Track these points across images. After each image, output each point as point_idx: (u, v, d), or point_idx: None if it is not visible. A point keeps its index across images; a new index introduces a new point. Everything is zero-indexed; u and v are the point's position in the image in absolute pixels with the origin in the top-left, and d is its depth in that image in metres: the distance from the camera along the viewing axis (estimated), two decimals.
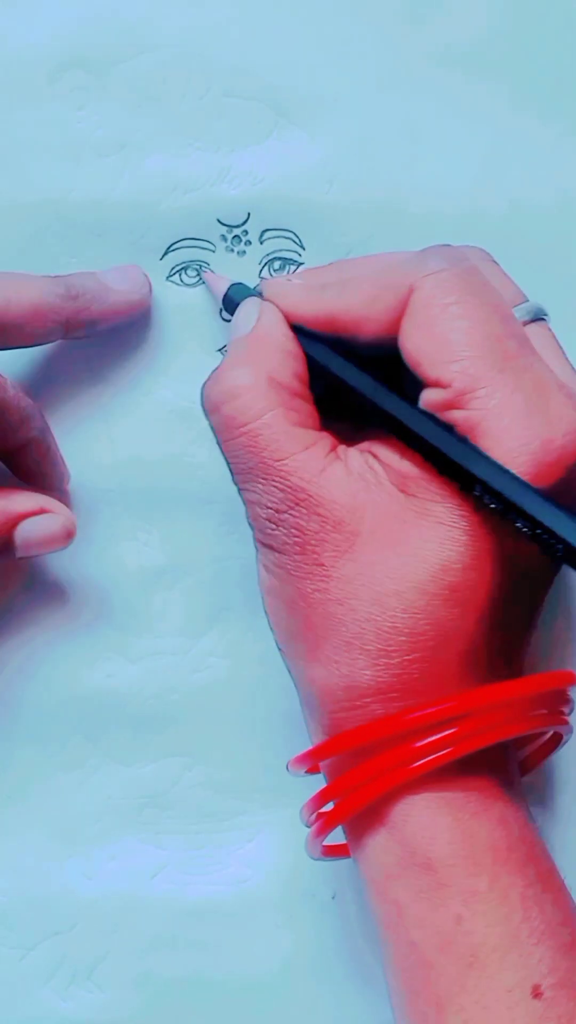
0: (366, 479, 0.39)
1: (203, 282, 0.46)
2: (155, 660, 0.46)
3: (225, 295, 0.44)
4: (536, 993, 0.36)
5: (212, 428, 0.40)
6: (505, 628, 0.38)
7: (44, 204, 0.45)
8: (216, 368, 0.40)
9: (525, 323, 0.39)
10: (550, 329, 0.40)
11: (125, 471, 0.46)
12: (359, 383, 0.40)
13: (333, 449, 0.39)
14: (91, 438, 0.46)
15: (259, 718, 0.46)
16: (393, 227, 0.46)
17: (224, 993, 0.46)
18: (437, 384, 0.38)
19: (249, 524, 0.40)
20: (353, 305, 0.40)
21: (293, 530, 0.38)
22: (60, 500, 0.44)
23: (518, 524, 0.36)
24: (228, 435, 0.39)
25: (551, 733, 0.41)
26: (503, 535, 0.37)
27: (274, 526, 0.39)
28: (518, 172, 0.46)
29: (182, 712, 0.46)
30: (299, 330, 0.41)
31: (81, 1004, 0.46)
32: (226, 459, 0.40)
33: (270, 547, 0.39)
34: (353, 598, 0.38)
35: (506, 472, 0.36)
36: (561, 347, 0.40)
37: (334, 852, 0.41)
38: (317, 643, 0.38)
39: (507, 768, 0.39)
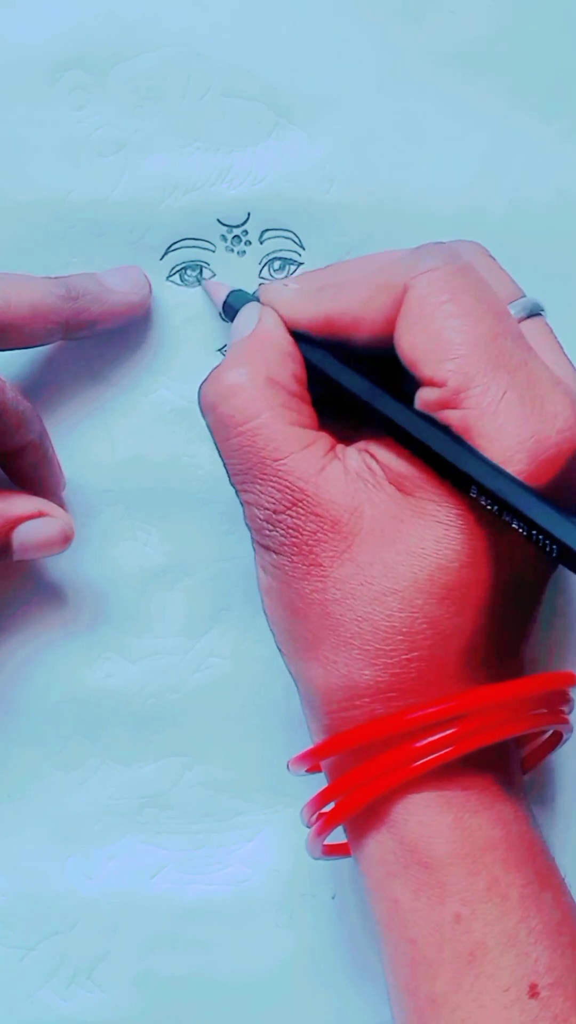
0: (364, 479, 0.39)
1: (203, 282, 0.46)
2: (155, 660, 0.46)
3: (225, 302, 0.44)
4: (533, 992, 0.36)
5: (209, 428, 0.40)
6: (503, 626, 0.38)
7: (44, 204, 0.45)
8: (214, 367, 0.40)
9: (521, 319, 0.39)
10: (547, 324, 0.40)
11: (125, 471, 0.46)
12: (356, 386, 0.40)
13: (331, 449, 0.39)
14: (91, 438, 0.46)
15: (259, 718, 0.46)
16: (393, 227, 0.46)
17: (224, 993, 0.46)
18: (432, 383, 0.38)
19: (247, 525, 0.40)
20: (349, 306, 0.40)
21: (290, 530, 0.38)
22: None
23: (514, 525, 0.36)
24: (225, 434, 0.39)
25: (551, 732, 0.41)
26: (500, 534, 0.37)
27: (271, 527, 0.39)
28: (517, 171, 0.46)
29: (182, 712, 0.46)
30: (296, 335, 0.41)
31: (81, 1004, 0.46)
32: (223, 460, 0.40)
33: (268, 548, 0.39)
34: (351, 598, 0.38)
35: (501, 472, 0.36)
36: (559, 343, 0.40)
37: (335, 851, 0.41)
38: (315, 643, 0.38)
39: (507, 767, 0.39)
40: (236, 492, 0.40)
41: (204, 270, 0.46)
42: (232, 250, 0.46)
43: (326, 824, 0.39)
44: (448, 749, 0.37)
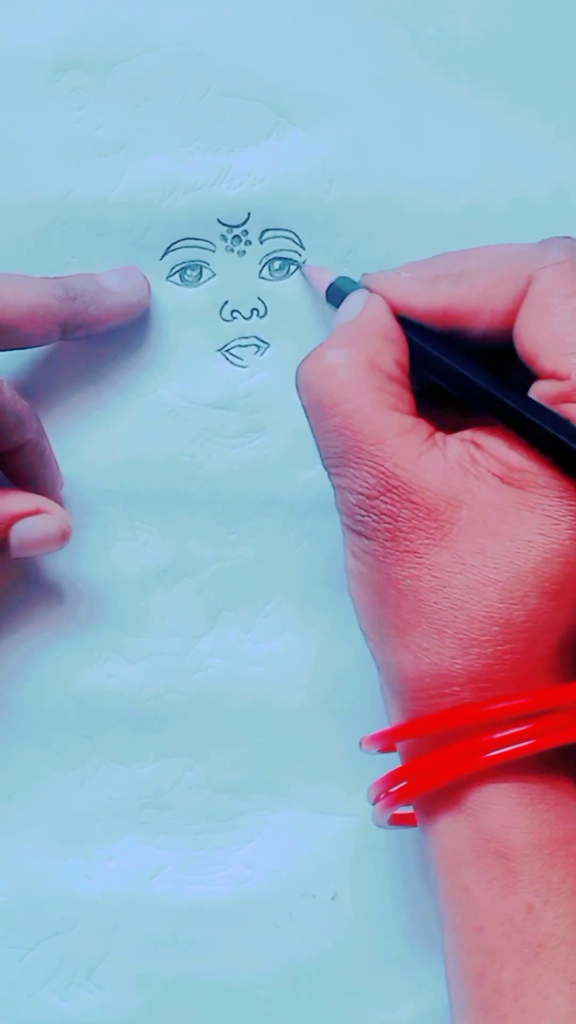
0: (465, 467, 0.38)
1: (203, 281, 0.46)
2: (155, 660, 0.46)
3: (331, 285, 0.43)
4: None
5: (304, 409, 0.40)
6: None
7: (44, 204, 0.46)
8: (315, 348, 0.40)
9: None
10: None
11: (125, 471, 0.46)
12: (473, 372, 0.39)
13: (431, 436, 0.39)
14: (91, 438, 0.46)
15: (259, 718, 0.46)
16: (393, 226, 0.46)
17: (224, 993, 0.46)
18: (554, 376, 0.37)
19: (338, 509, 0.39)
20: (469, 296, 0.39)
21: (384, 517, 0.38)
22: None
23: None
24: (321, 415, 0.39)
25: None
26: None
27: (364, 512, 0.38)
28: (517, 171, 0.46)
29: (182, 712, 0.46)
30: (406, 321, 0.40)
31: (81, 1004, 0.46)
32: (317, 441, 0.39)
33: (359, 533, 0.39)
34: (447, 586, 0.37)
35: None
36: None
37: (400, 821, 0.41)
38: (406, 630, 0.38)
39: None
40: (328, 475, 0.39)
41: (204, 270, 0.46)
42: (232, 250, 0.46)
43: (396, 800, 0.39)
44: (527, 743, 0.37)
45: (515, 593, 0.37)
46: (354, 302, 0.41)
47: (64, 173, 0.46)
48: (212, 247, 0.46)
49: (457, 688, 0.37)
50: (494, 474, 0.38)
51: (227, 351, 0.46)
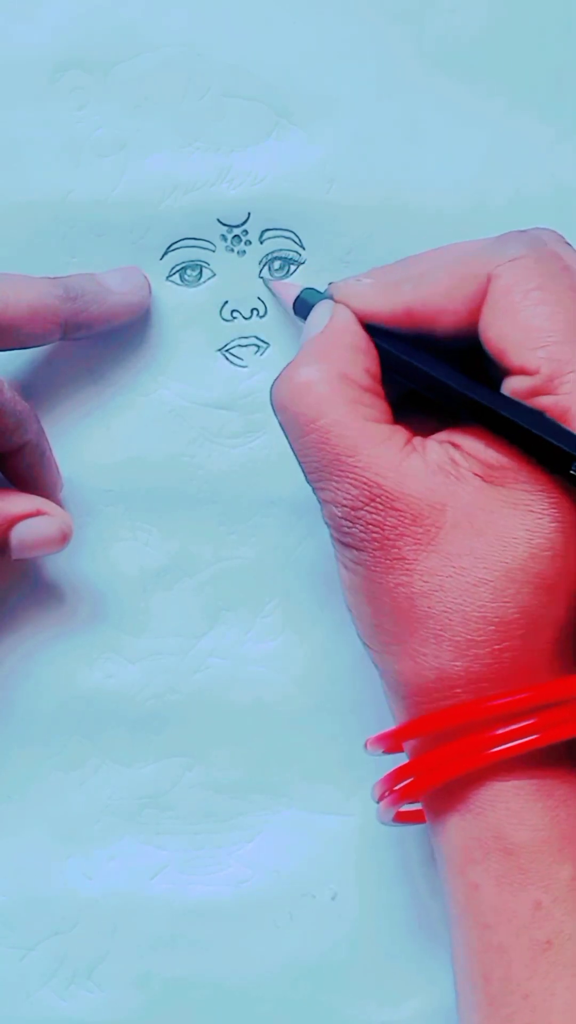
0: (446, 470, 0.38)
1: (203, 281, 0.46)
2: (155, 660, 0.46)
3: (297, 298, 0.44)
4: None
5: (282, 427, 0.40)
6: None
7: (44, 204, 0.46)
8: (286, 366, 0.40)
9: None
10: None
11: (125, 471, 0.46)
12: (443, 373, 0.39)
13: (409, 442, 0.39)
14: (90, 438, 0.46)
15: (259, 718, 0.46)
16: (393, 226, 0.46)
17: (224, 993, 0.46)
18: (523, 371, 0.38)
19: (325, 523, 0.40)
20: (431, 297, 0.39)
21: (371, 526, 0.38)
22: None
23: None
24: (298, 433, 0.39)
25: None
26: None
27: (350, 523, 0.38)
28: (517, 171, 0.46)
29: (182, 712, 0.46)
30: (373, 329, 0.41)
31: (81, 1004, 0.46)
32: (297, 458, 0.40)
33: (348, 545, 0.39)
34: (439, 590, 0.37)
35: None
36: None
37: (405, 819, 0.41)
38: (403, 637, 0.38)
39: None
40: (313, 490, 0.40)
41: (204, 270, 0.46)
42: (232, 250, 0.46)
43: (400, 797, 0.39)
44: (532, 738, 0.37)
45: (507, 591, 0.37)
46: (320, 314, 0.41)
47: (64, 173, 0.46)
48: (212, 247, 0.46)
49: (459, 690, 0.37)
50: (475, 474, 0.38)
51: (227, 351, 0.46)
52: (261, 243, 0.46)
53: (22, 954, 0.47)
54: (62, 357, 0.46)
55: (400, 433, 0.39)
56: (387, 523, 0.38)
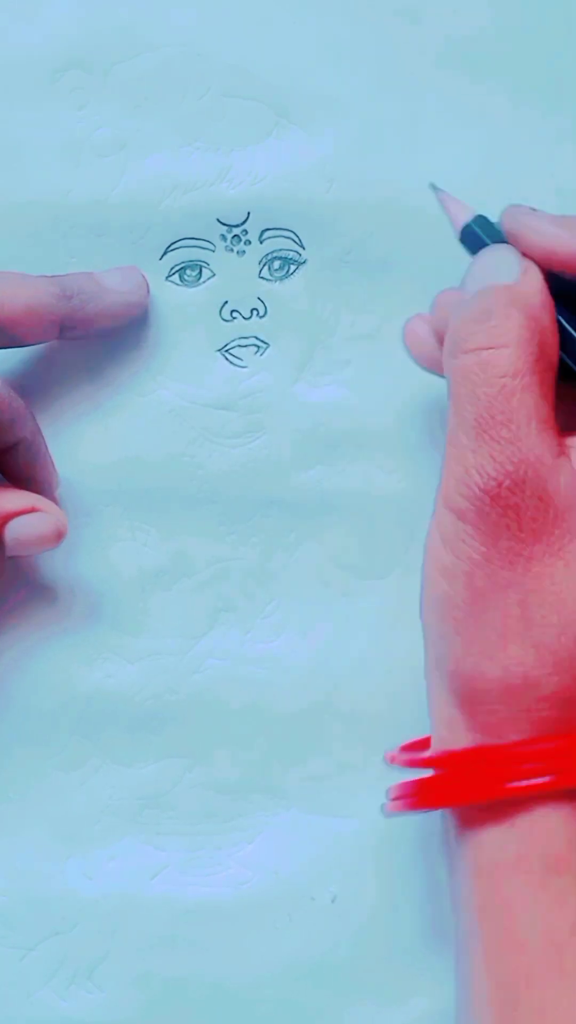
0: None
1: (203, 281, 0.46)
2: (154, 660, 0.46)
3: (467, 226, 0.40)
4: None
5: (450, 356, 0.36)
6: None
7: (44, 204, 0.46)
8: (477, 304, 0.37)
9: None
10: None
11: (124, 471, 0.46)
12: None
13: (561, 438, 0.37)
14: (89, 438, 0.46)
15: (259, 719, 0.46)
16: (393, 225, 0.46)
17: (224, 994, 0.46)
18: None
19: (440, 487, 0.36)
20: None
21: (509, 509, 0.35)
22: None
23: None
24: (483, 378, 0.35)
25: None
26: None
27: (487, 497, 0.35)
28: (518, 170, 0.46)
29: (182, 712, 0.46)
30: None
31: (81, 1004, 0.46)
32: (453, 404, 0.36)
33: (469, 521, 0.36)
34: (557, 602, 0.35)
35: None
36: None
37: (411, 808, 0.39)
38: (502, 637, 0.35)
39: None
40: (450, 448, 0.36)
41: (203, 270, 0.46)
42: (232, 250, 0.46)
43: (429, 804, 0.37)
44: None
45: None
46: (507, 262, 0.38)
47: (64, 173, 0.46)
48: (212, 247, 0.46)
49: (547, 705, 0.35)
50: None
51: (227, 351, 0.46)
52: (261, 243, 0.46)
53: (22, 954, 0.47)
54: (61, 356, 0.46)
55: (554, 428, 0.36)
56: (527, 511, 0.35)
